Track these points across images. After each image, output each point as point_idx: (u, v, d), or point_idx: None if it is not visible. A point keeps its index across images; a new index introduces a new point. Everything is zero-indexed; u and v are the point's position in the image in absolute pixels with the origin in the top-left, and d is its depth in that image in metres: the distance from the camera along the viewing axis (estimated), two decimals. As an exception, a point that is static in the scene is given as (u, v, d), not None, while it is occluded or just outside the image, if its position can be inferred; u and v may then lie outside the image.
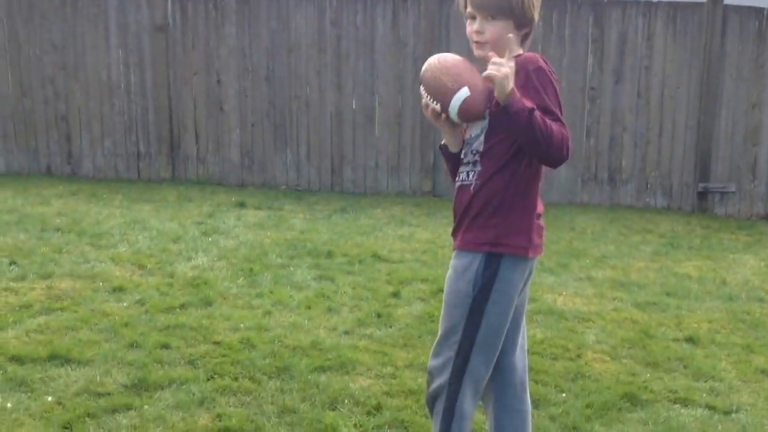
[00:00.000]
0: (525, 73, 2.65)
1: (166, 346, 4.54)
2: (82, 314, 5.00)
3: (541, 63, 2.68)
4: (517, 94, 2.59)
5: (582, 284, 6.39)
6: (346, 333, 4.97)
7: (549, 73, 2.68)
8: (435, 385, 2.89)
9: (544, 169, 2.81)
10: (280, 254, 6.72)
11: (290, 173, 10.15)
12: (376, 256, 6.81)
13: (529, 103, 2.59)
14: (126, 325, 4.86)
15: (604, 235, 8.33)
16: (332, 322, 5.15)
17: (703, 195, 9.89)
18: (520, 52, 2.77)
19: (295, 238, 7.36)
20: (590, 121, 9.98)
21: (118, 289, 5.52)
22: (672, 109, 9.89)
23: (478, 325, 2.79)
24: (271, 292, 5.65)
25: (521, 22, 2.76)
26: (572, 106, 9.86)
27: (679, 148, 9.94)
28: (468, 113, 2.75)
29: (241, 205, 8.76)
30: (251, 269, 6.17)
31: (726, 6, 9.69)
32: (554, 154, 2.62)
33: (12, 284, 5.52)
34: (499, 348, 2.87)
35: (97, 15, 9.95)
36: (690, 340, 5.21)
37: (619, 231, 8.55)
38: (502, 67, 2.56)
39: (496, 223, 2.76)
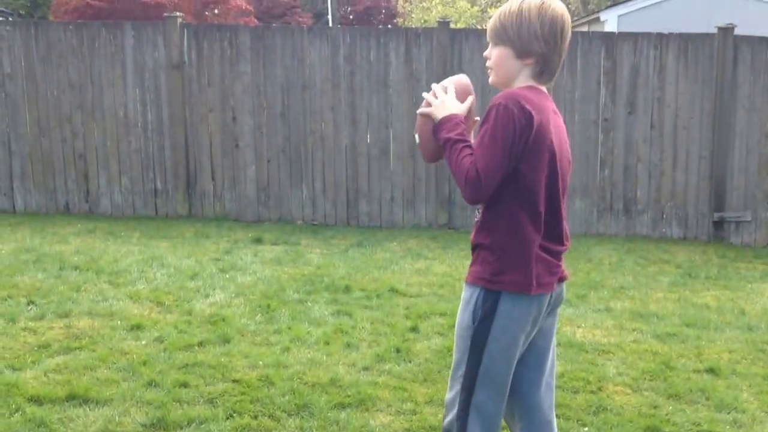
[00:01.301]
0: (490, 107, 2.69)
1: (184, 385, 4.53)
2: (100, 353, 5.00)
3: (508, 102, 2.65)
4: (447, 125, 2.78)
5: (601, 316, 6.37)
6: (366, 369, 4.95)
7: (508, 114, 2.64)
8: (447, 419, 2.89)
9: (553, 207, 2.79)
10: (298, 290, 6.73)
11: (306, 208, 10.19)
12: (393, 290, 6.81)
13: (453, 135, 2.75)
14: (144, 363, 4.86)
15: (621, 265, 8.31)
16: (351, 358, 5.14)
17: (718, 224, 9.88)
18: (527, 84, 2.79)
19: (312, 273, 7.37)
20: (604, 153, 10.00)
21: (137, 327, 5.53)
22: (685, 140, 9.91)
23: (479, 359, 2.78)
24: (289, 329, 5.65)
25: (521, 52, 2.78)
26: (585, 137, 9.91)
27: (693, 178, 9.94)
28: (420, 141, 2.93)
29: (258, 240, 8.79)
30: (269, 305, 6.18)
31: (736, 36, 9.74)
32: (460, 187, 2.72)
33: (30, 324, 5.53)
34: (508, 385, 2.83)
35: (114, 54, 10.06)
36: (711, 371, 5.17)
37: (636, 261, 8.53)
38: (434, 100, 2.86)
39: (493, 259, 2.77)
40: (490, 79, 2.90)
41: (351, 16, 38.11)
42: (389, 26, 29.48)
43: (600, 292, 7.12)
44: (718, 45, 9.74)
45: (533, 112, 2.64)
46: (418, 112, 2.89)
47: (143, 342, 5.26)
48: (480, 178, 2.65)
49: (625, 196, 10.02)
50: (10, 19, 19.65)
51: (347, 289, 6.80)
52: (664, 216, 10.00)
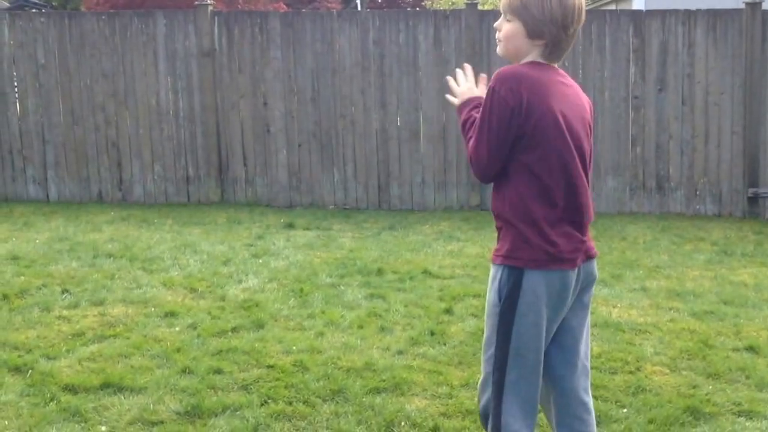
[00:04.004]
0: (488, 89, 2.75)
1: (218, 371, 4.54)
2: (134, 340, 5.03)
3: (501, 86, 2.69)
4: (463, 109, 2.96)
5: (637, 295, 6.30)
6: (400, 353, 4.94)
7: (497, 92, 2.69)
8: (483, 402, 2.89)
9: (571, 181, 2.77)
10: (330, 274, 6.73)
11: (338, 192, 10.19)
12: (426, 273, 6.79)
13: (463, 117, 2.92)
14: (178, 350, 4.87)
15: (656, 244, 8.22)
16: (385, 341, 5.13)
17: (753, 200, 9.74)
18: (533, 60, 2.81)
19: (344, 257, 7.36)
20: (635, 130, 9.89)
21: (170, 314, 5.56)
22: (717, 116, 9.78)
23: (508, 337, 2.77)
24: (323, 313, 5.65)
25: (532, 32, 2.78)
26: (616, 115, 9.82)
27: (726, 154, 9.81)
28: None
29: (290, 225, 8.80)
30: (302, 290, 6.18)
31: (765, 11, 9.61)
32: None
33: (65, 312, 5.57)
34: (540, 363, 2.81)
35: (146, 43, 10.10)
36: (750, 349, 5.10)
37: (671, 240, 8.44)
38: (456, 89, 3.07)
39: (511, 236, 2.78)
40: (498, 50, 2.92)
41: (379, 0, 37.98)
42: (417, 9, 29.33)
43: (635, 271, 7.05)
44: (747, 20, 9.60)
45: (524, 93, 2.67)
46: (448, 97, 3.06)
47: (177, 329, 5.28)
48: (474, 161, 2.79)
49: (658, 174, 9.91)
50: (43, 10, 19.78)
51: (380, 272, 6.79)
52: (698, 193, 9.88)
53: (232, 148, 10.22)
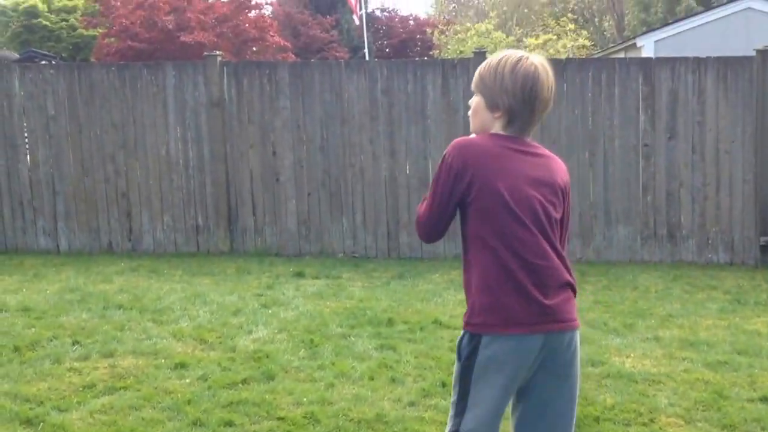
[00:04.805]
0: None
1: (230, 424, 4.51)
2: (145, 392, 5.00)
3: (449, 152, 2.84)
4: None
5: (650, 345, 6.25)
6: (411, 404, 4.90)
7: (446, 158, 2.83)
8: None
9: (523, 249, 2.80)
10: (341, 324, 6.70)
11: (347, 240, 10.18)
12: (437, 323, 6.75)
13: None
14: (189, 402, 4.85)
15: (668, 293, 8.18)
16: (396, 393, 5.09)
17: (765, 249, 9.69)
18: (495, 132, 2.89)
19: (354, 306, 7.34)
20: (646, 178, 9.88)
21: (181, 366, 5.53)
22: (728, 164, 9.76)
23: (466, 396, 2.84)
24: (333, 364, 5.62)
25: (490, 104, 2.87)
26: (626, 163, 9.82)
27: (738, 202, 9.78)
28: None
29: (300, 274, 8.79)
30: (312, 340, 6.15)
31: (776, 59, 9.61)
32: None
33: (75, 364, 5.55)
34: (493, 423, 2.85)
35: (156, 94, 10.18)
36: (765, 399, 5.05)
37: (683, 288, 8.39)
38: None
39: (469, 300, 2.89)
40: (471, 128, 3.01)
41: (387, 49, 38.32)
42: (425, 58, 29.56)
43: (648, 321, 7.00)
44: (757, 68, 9.61)
45: (469, 161, 2.78)
46: None
47: (187, 380, 5.25)
48: (417, 220, 3.00)
49: (669, 222, 9.88)
50: (53, 62, 20.01)
51: (390, 322, 6.76)
52: (710, 241, 9.84)
53: (242, 198, 10.25)
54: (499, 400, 2.83)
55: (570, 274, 2.89)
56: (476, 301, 2.84)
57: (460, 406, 2.86)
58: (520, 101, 2.82)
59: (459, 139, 2.87)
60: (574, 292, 2.92)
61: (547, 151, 2.97)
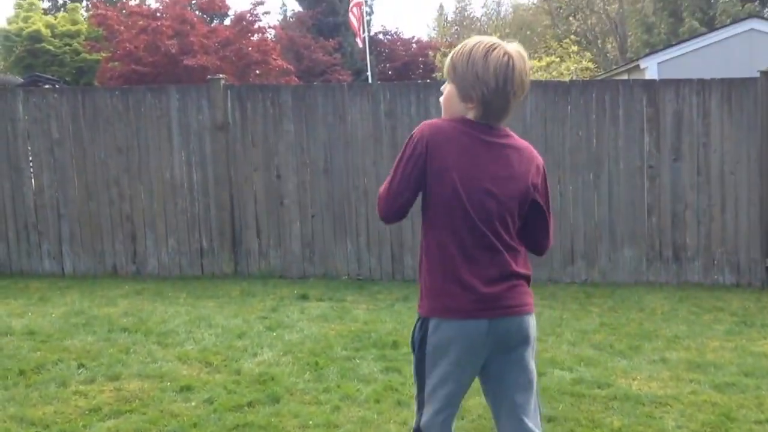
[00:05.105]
0: None
1: (236, 447, 4.49)
2: (150, 416, 4.98)
3: (416, 131, 2.88)
4: None
5: (656, 367, 6.23)
6: (417, 427, 4.86)
7: (413, 138, 2.86)
8: None
9: (470, 237, 2.88)
10: (345, 346, 6.68)
11: (351, 263, 10.18)
12: (442, 345, 6.71)
13: None
14: (195, 425, 4.83)
15: (674, 314, 8.15)
16: (402, 415, 5.06)
17: (771, 270, 9.68)
18: (465, 117, 2.91)
19: (359, 329, 7.32)
20: (651, 200, 9.88)
21: (186, 388, 5.51)
22: (733, 185, 9.76)
23: (422, 382, 2.96)
24: (339, 387, 5.59)
25: (463, 95, 2.89)
26: (631, 185, 9.82)
27: (743, 224, 9.77)
28: None
29: (304, 297, 8.78)
30: (317, 363, 6.13)
31: (780, 80, 9.62)
32: None
33: (81, 387, 5.53)
34: (450, 407, 2.95)
35: (160, 118, 10.21)
36: (774, 422, 5.02)
37: (689, 310, 8.37)
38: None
39: (420, 286, 3.00)
40: (442, 115, 3.04)
41: (390, 72, 38.44)
42: (428, 80, 29.65)
43: (654, 343, 6.97)
44: (762, 89, 9.61)
45: (431, 143, 2.81)
46: None
47: (193, 403, 5.23)
48: (379, 196, 3.00)
49: (675, 243, 9.87)
50: (57, 86, 20.11)
51: (395, 344, 6.73)
52: (716, 263, 9.82)
53: (246, 221, 10.25)
54: (451, 389, 2.92)
55: (521, 266, 2.96)
56: (423, 286, 2.96)
57: (419, 400, 2.97)
58: (493, 92, 2.83)
59: (428, 121, 2.89)
60: (527, 280, 3.00)
61: (518, 141, 2.99)
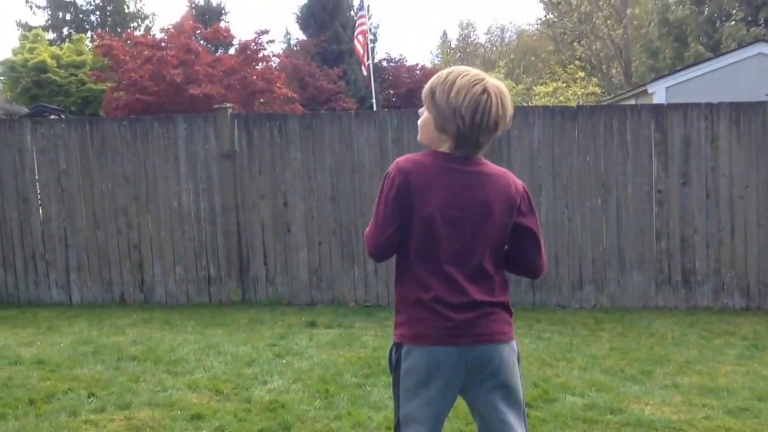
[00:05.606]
0: None
1: (248, 475, 4.45)
2: (162, 444, 4.96)
3: (393, 168, 2.89)
4: None
5: (669, 392, 6.18)
6: (430, 454, 4.82)
7: (390, 174, 2.88)
8: None
9: (434, 259, 2.90)
10: (355, 373, 6.64)
11: (358, 289, 10.16)
12: (452, 372, 6.68)
13: None
14: (207, 454, 4.79)
15: (684, 339, 8.11)
16: (415, 442, 5.01)
17: (782, 293, 9.64)
18: (439, 150, 2.93)
19: (368, 356, 7.28)
20: (659, 224, 9.86)
21: (197, 417, 5.47)
22: (742, 209, 9.74)
23: (398, 406, 2.96)
24: (350, 414, 5.56)
25: (440, 126, 2.89)
26: (639, 210, 9.81)
27: (753, 248, 9.74)
28: None
29: (312, 324, 8.75)
30: (327, 390, 6.10)
31: (789, 105, 9.64)
32: None
33: (91, 416, 5.50)
34: (426, 427, 2.92)
35: (167, 147, 10.24)
36: (789, 447, 4.98)
37: (700, 334, 8.32)
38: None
39: (395, 311, 3.02)
40: (418, 137, 3.05)
41: (394, 99, 38.53)
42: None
43: (665, 367, 6.93)
44: (770, 112, 9.65)
45: (406, 176, 2.84)
46: None
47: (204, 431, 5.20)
48: (366, 238, 3.00)
49: (684, 268, 9.84)
50: (63, 116, 20.18)
51: (406, 371, 6.68)
52: (725, 287, 9.79)
53: (253, 248, 10.25)
54: (426, 413, 2.91)
55: (497, 293, 2.98)
56: (396, 312, 2.99)
57: (395, 421, 2.98)
58: (468, 128, 2.84)
59: (402, 157, 2.92)
60: (504, 307, 3.01)
61: (493, 168, 2.98)
